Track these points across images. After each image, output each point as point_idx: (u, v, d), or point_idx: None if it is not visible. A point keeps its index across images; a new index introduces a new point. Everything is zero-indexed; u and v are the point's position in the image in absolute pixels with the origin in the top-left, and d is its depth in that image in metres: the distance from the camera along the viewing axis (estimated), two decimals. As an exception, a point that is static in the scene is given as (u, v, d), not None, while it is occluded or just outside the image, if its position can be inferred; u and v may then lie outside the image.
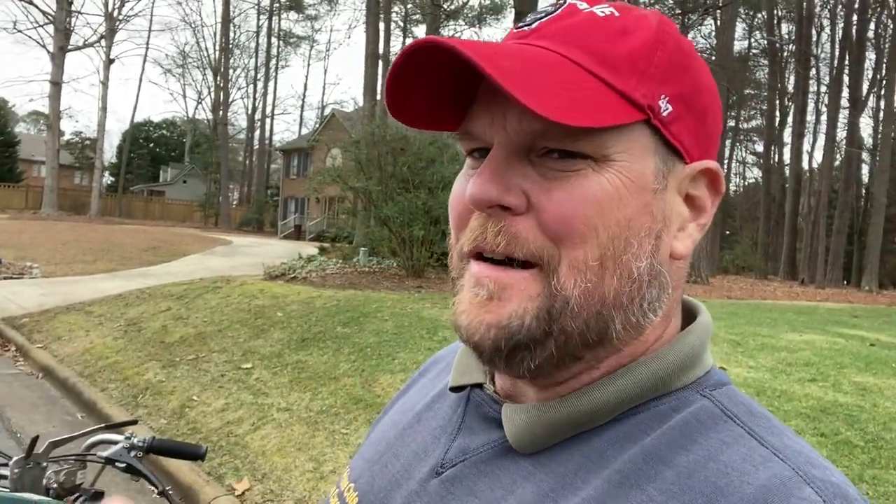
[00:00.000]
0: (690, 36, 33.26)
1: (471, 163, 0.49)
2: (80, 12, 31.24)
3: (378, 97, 21.62)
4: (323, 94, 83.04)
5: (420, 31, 33.09)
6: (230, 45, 40.42)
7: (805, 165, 30.46)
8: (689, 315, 0.51)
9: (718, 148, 0.49)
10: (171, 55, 60.28)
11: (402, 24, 34.75)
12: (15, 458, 1.33)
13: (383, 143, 11.92)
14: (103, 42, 32.17)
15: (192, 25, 50.52)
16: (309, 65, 79.11)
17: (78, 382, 5.42)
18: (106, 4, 32.63)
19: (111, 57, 32.53)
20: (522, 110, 0.39)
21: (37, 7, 29.89)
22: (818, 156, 30.24)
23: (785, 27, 32.37)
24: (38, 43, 30.68)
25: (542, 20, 0.46)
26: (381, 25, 22.40)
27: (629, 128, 0.43)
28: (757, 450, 0.40)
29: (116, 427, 1.42)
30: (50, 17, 29.35)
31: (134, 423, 1.47)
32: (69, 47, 29.93)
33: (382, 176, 11.66)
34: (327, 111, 39.13)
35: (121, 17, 33.66)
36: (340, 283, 9.66)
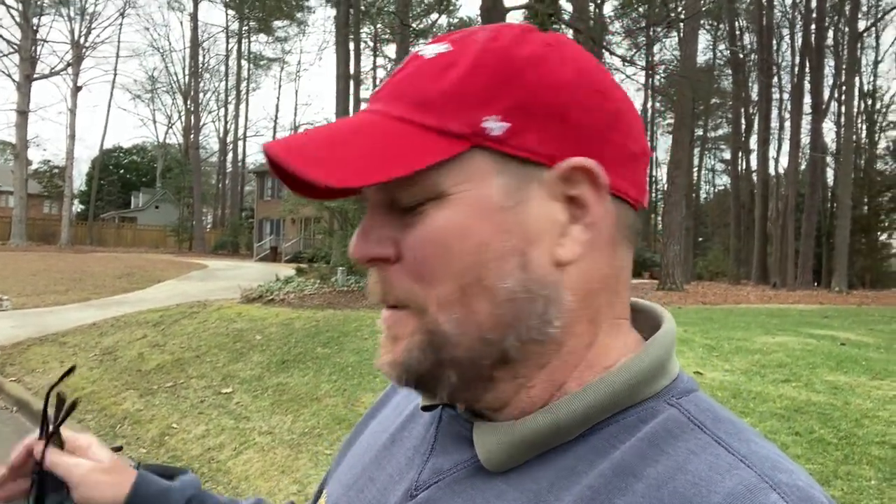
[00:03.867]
0: (656, 49, 34.01)
1: None
2: (45, 40, 30.89)
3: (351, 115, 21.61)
4: (295, 114, 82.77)
5: (390, 50, 33.34)
6: (200, 69, 40.27)
7: (772, 171, 31.08)
8: (654, 322, 0.52)
9: (616, 136, 0.47)
10: (139, 80, 59.85)
11: (371, 43, 35.01)
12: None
13: (357, 163, 11.96)
14: (70, 70, 31.85)
15: (161, 51, 50.34)
16: (280, 86, 78.87)
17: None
18: (72, 32, 32.37)
19: (78, 84, 32.20)
20: (330, 187, 0.43)
21: (1, 37, 29.53)
22: (784, 161, 30.99)
23: (747, 38, 33.28)
24: (2, 72, 30.25)
25: (388, 78, 0.49)
26: (352, 45, 22.54)
27: (458, 159, 0.44)
28: (723, 457, 0.41)
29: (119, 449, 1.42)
30: (14, 45, 29.00)
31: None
32: (35, 76, 29.57)
33: (358, 195, 11.68)
34: (300, 131, 39.01)
35: (87, 45, 33.41)
36: (319, 304, 9.61)
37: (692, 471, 0.40)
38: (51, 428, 0.69)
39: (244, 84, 45.17)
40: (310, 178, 0.41)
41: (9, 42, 29.35)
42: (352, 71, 21.94)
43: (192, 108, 38.77)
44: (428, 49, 0.47)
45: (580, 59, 0.47)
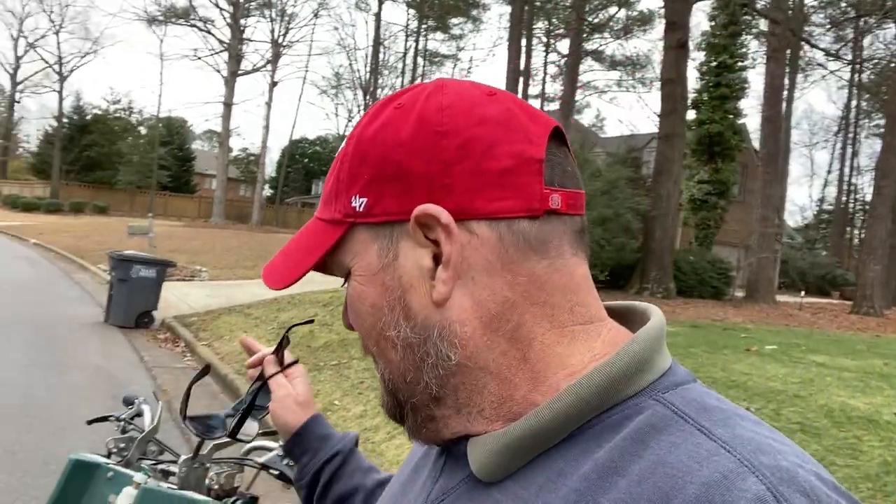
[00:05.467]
0: (866, 42, 30.02)
1: None
2: (250, 40, 34.46)
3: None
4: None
5: (563, 46, 32.80)
6: (379, 66, 42.58)
7: None
8: (641, 319, 0.53)
9: (468, 164, 0.47)
10: (326, 77, 64.82)
11: (545, 38, 34.71)
12: (183, 458, 1.44)
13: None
14: (269, 66, 35.20)
15: (347, 49, 53.83)
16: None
17: (235, 380, 5.89)
18: (272, 32, 35.70)
19: (275, 80, 35.50)
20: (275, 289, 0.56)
21: (214, 36, 33.39)
22: None
23: None
24: (213, 69, 34.25)
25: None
26: (524, 42, 22.49)
27: (346, 239, 0.52)
28: (703, 445, 0.40)
29: (272, 434, 1.49)
30: (225, 44, 32.63)
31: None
32: (240, 72, 33.06)
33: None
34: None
35: (284, 44, 36.66)
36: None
37: (671, 462, 0.40)
38: (283, 356, 0.93)
39: (418, 80, 47.11)
40: (267, 285, 0.56)
41: (220, 41, 33.10)
42: (522, 67, 21.90)
43: (370, 103, 41.14)
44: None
45: (429, 108, 0.49)
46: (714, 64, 19.87)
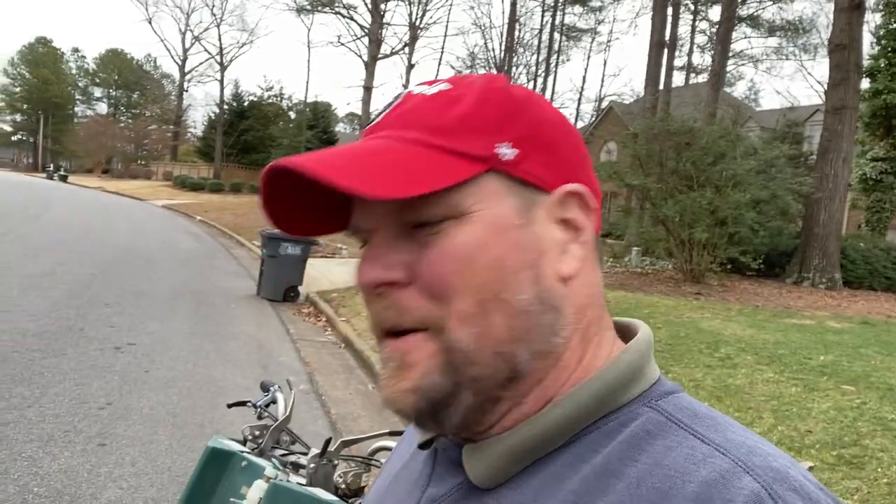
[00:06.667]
0: None
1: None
2: (389, 24, 35.41)
3: (660, 87, 20.48)
4: (601, 86, 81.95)
5: (714, 13, 30.45)
6: (514, 44, 42.09)
7: None
8: (631, 334, 0.53)
9: (588, 170, 0.53)
10: (461, 57, 65.16)
11: (692, 5, 32.40)
12: (312, 454, 1.43)
13: (666, 137, 11.20)
14: (406, 49, 36.01)
15: (482, 28, 53.86)
16: (589, 57, 78.35)
17: (371, 356, 6.08)
18: (410, 15, 36.43)
19: (412, 62, 36.27)
20: (382, 201, 0.45)
21: (356, 22, 34.68)
22: None
23: None
24: (355, 53, 35.65)
25: (385, 112, 0.52)
26: (669, 10, 21.13)
27: (475, 180, 0.47)
28: (698, 448, 0.42)
29: (398, 434, 1.45)
30: (366, 29, 33.79)
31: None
32: (380, 56, 34.13)
33: (663, 172, 10.96)
34: (604, 104, 38.47)
35: (422, 26, 37.30)
36: (610, 283, 9.34)
37: (668, 464, 0.42)
38: None
39: (554, 57, 46.03)
40: (346, 187, 0.42)
41: (362, 27, 34.32)
42: (667, 38, 20.61)
43: (504, 82, 40.78)
44: (422, 88, 0.51)
45: (548, 106, 0.52)
46: (894, 26, 17.48)
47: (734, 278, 11.01)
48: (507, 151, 0.48)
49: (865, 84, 17.09)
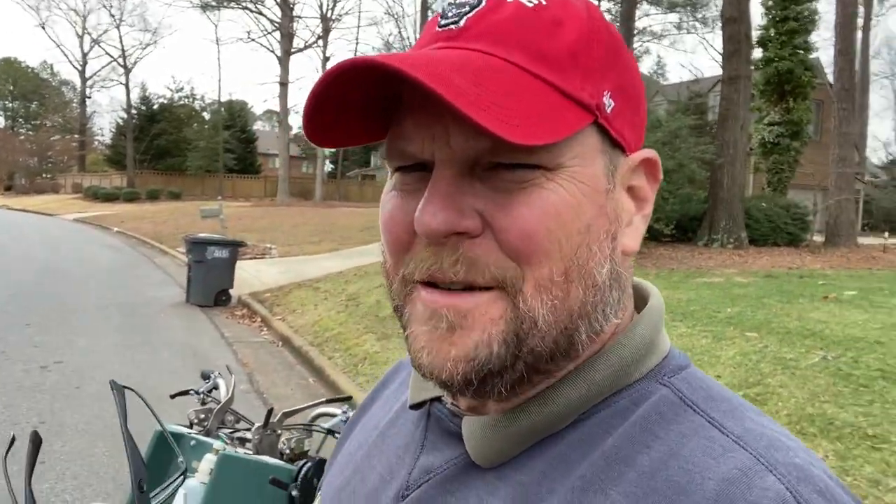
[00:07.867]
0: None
1: (402, 179, 0.44)
2: (300, 17, 34.74)
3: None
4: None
5: (616, -7, 31.41)
6: (429, 31, 42.04)
7: None
8: (640, 299, 0.50)
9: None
10: (376, 47, 64.73)
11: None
12: (256, 426, 1.56)
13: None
14: (320, 42, 35.47)
15: (395, 17, 53.59)
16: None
17: (310, 351, 6.15)
18: (321, 7, 35.88)
19: (327, 55, 35.77)
20: (471, 127, 0.36)
21: (265, 17, 33.86)
22: None
23: None
24: (267, 49, 34.75)
25: (469, 15, 0.42)
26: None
27: (580, 132, 0.41)
28: (717, 440, 0.39)
29: (336, 402, 1.60)
30: (276, 24, 33.03)
31: (349, 398, 1.63)
32: (293, 50, 33.47)
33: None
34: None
35: (333, 18, 36.79)
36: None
37: (685, 456, 0.39)
38: None
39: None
40: (492, 130, 0.35)
41: (272, 21, 33.53)
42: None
43: (422, 70, 40.77)
44: None
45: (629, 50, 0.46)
46: (780, -4, 18.67)
47: (651, 245, 11.61)
48: (609, 102, 0.42)
49: (758, 53, 18.21)
